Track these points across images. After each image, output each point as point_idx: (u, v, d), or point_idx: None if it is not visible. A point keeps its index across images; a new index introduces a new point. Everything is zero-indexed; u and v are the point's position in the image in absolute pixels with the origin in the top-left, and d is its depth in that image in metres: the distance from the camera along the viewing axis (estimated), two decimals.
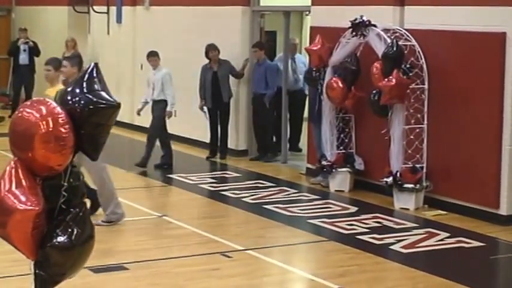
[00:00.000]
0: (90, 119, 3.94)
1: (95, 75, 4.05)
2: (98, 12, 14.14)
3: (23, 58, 14.90)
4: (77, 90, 3.98)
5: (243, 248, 6.80)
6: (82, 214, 4.03)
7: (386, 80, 8.21)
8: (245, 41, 11.02)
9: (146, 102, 10.52)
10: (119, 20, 13.80)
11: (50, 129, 3.80)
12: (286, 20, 10.93)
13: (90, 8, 14.40)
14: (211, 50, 10.78)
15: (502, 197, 7.71)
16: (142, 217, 7.92)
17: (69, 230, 3.94)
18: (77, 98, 3.95)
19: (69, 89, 4.04)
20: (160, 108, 10.25)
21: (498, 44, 7.64)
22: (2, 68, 16.70)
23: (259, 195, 8.85)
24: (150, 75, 10.50)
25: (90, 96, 3.95)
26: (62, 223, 3.96)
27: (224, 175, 10.18)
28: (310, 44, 9.82)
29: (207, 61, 10.92)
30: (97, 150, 4.07)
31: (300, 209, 8.27)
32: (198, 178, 9.74)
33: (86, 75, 4.05)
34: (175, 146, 12.07)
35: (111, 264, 6.31)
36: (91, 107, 3.94)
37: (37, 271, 3.96)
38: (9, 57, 15.50)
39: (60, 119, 3.84)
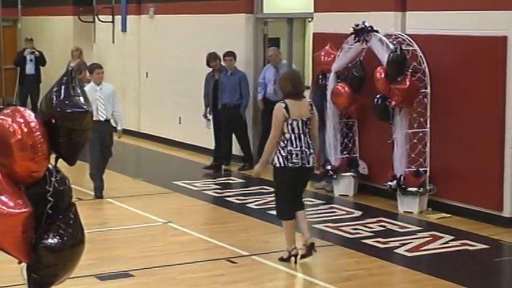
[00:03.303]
0: (63, 124, 3.96)
1: (71, 80, 4.07)
2: (103, 22, 14.22)
3: (29, 68, 14.99)
4: (54, 97, 4.01)
5: (248, 254, 6.83)
6: (73, 216, 4.07)
7: (398, 83, 8.20)
8: (249, 48, 11.06)
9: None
10: (123, 29, 13.89)
11: (24, 136, 3.83)
12: (289, 27, 10.98)
13: (95, 17, 14.49)
14: (211, 59, 10.77)
15: (505, 199, 7.73)
16: (147, 224, 7.96)
17: (61, 231, 3.99)
18: (54, 104, 3.98)
19: (47, 95, 4.07)
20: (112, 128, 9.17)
21: (500, 48, 7.65)
22: (9, 78, 16.80)
23: (264, 201, 8.88)
24: (91, 90, 8.60)
25: (67, 102, 3.98)
26: (53, 225, 3.99)
27: (228, 181, 10.21)
28: (313, 50, 9.88)
29: (211, 69, 10.98)
30: (74, 156, 4.08)
31: None
32: (203, 184, 9.79)
33: (63, 81, 4.06)
34: (179, 153, 12.15)
35: (117, 272, 6.36)
36: (66, 112, 3.95)
37: (30, 274, 3.98)
38: (16, 67, 15.62)
39: (32, 126, 3.86)
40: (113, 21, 14.10)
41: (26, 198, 3.90)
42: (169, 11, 12.81)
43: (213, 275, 6.30)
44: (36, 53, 15.08)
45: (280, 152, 6.46)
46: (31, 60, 14.99)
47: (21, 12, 17.16)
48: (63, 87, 4.04)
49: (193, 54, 11.91)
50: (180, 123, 12.48)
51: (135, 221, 8.07)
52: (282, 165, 6.46)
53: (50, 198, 3.99)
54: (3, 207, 3.81)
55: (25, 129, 3.85)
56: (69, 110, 3.97)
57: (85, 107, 4.03)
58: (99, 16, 14.25)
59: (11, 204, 3.82)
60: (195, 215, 8.62)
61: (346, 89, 8.90)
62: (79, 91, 4.08)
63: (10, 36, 17.23)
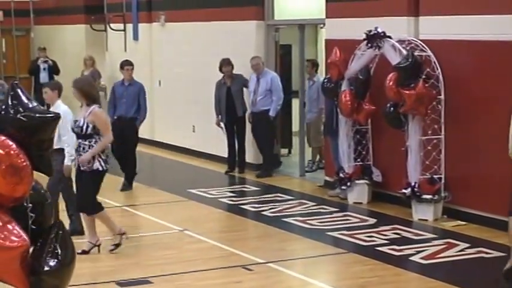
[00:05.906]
0: (34, 138, 3.87)
1: (20, 93, 3.97)
2: (114, 30, 14.29)
3: (43, 77, 15.08)
4: (11, 113, 3.87)
5: (263, 261, 6.85)
6: (62, 233, 4.01)
7: (408, 89, 8.17)
8: (260, 55, 11.03)
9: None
10: (135, 37, 13.94)
11: (7, 162, 3.73)
12: (301, 34, 10.98)
13: (107, 26, 14.56)
14: (224, 65, 10.79)
15: None
16: (164, 231, 7.99)
17: (56, 251, 3.93)
18: (15, 121, 3.84)
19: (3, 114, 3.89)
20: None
21: None
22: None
23: (278, 209, 8.89)
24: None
25: (29, 114, 3.87)
26: (47, 246, 3.93)
27: (243, 189, 10.23)
28: (326, 56, 9.87)
29: (222, 76, 11.00)
30: (50, 166, 4.03)
31: (319, 222, 8.30)
32: (218, 192, 9.80)
33: (13, 96, 3.94)
34: (194, 161, 12.17)
35: (136, 278, 6.42)
36: (33, 125, 3.86)
37: None
38: (30, 77, 15.72)
39: (11, 151, 3.76)
40: (124, 30, 14.17)
41: (22, 229, 3.82)
42: (180, 19, 12.85)
43: (229, 282, 6.32)
44: (50, 61, 15.21)
45: (100, 157, 6.81)
46: (45, 69, 15.11)
47: (33, 22, 17.27)
48: (16, 103, 3.90)
49: (205, 62, 11.92)
50: (194, 131, 12.51)
51: (152, 229, 8.10)
52: (105, 168, 6.87)
53: (30, 214, 3.93)
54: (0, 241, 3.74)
55: (6, 156, 3.73)
56: (42, 120, 3.87)
57: (54, 114, 3.98)
58: (111, 24, 14.33)
59: (11, 237, 3.74)
60: (210, 222, 8.63)
61: (348, 95, 8.90)
62: (34, 102, 3.99)
63: (23, 45, 17.35)
